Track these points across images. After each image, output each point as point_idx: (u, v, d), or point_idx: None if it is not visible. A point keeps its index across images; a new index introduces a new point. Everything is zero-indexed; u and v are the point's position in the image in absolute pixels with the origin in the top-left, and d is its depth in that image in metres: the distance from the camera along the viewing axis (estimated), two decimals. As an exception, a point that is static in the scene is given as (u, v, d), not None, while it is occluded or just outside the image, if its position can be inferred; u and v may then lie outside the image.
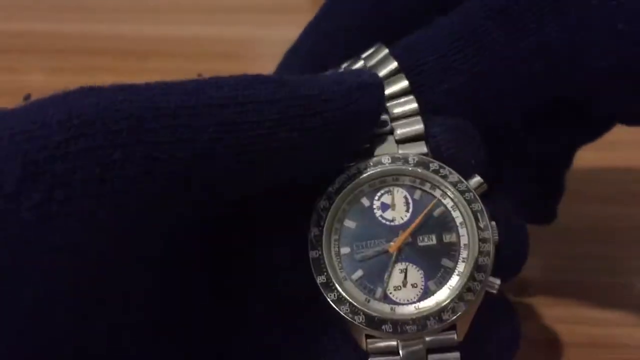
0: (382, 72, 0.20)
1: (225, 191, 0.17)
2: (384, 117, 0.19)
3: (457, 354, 0.18)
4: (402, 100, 0.19)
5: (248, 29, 0.41)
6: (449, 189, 0.19)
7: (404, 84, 0.19)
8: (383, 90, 0.18)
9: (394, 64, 0.20)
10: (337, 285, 0.18)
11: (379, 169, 0.19)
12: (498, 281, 0.18)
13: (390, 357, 0.18)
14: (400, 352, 0.18)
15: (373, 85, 0.18)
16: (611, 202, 0.30)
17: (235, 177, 0.16)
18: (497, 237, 0.19)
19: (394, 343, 0.18)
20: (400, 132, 0.19)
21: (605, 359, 0.24)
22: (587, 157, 0.32)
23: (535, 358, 0.24)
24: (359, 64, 0.20)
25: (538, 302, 0.26)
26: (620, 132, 0.33)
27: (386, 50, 0.20)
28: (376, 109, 0.18)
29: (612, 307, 0.26)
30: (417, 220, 0.19)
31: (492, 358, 0.19)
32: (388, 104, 0.19)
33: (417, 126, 0.19)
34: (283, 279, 0.19)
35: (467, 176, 0.19)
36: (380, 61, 0.20)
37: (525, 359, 0.24)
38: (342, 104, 0.17)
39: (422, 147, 0.19)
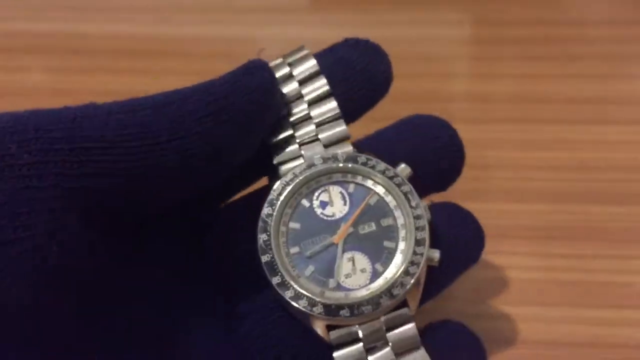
0: (301, 70, 0.21)
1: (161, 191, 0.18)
2: (304, 112, 0.21)
3: (412, 325, 0.19)
4: (323, 102, 0.21)
5: (248, 28, 0.41)
6: (378, 177, 0.20)
7: (322, 82, 0.21)
8: (271, 70, 0.20)
9: (312, 62, 0.21)
10: (292, 283, 0.19)
11: (312, 170, 0.20)
12: (437, 253, 0.19)
13: (353, 346, 0.19)
14: (360, 333, 0.19)
15: (259, 67, 0.19)
16: (611, 202, 0.30)
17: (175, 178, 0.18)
18: (429, 214, 0.20)
19: (354, 329, 0.19)
20: (324, 136, 0.21)
21: (606, 358, 0.24)
22: (587, 157, 0.32)
23: (535, 358, 0.24)
24: (280, 63, 0.22)
25: (538, 302, 0.26)
26: (620, 133, 0.33)
27: (306, 50, 0.21)
28: (269, 83, 0.19)
29: (612, 306, 0.26)
30: (357, 212, 0.20)
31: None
32: (310, 109, 0.21)
33: (340, 128, 0.21)
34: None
35: (393, 165, 0.20)
36: (300, 59, 0.21)
37: (525, 359, 0.24)
38: (231, 86, 0.19)
39: (347, 147, 0.21)
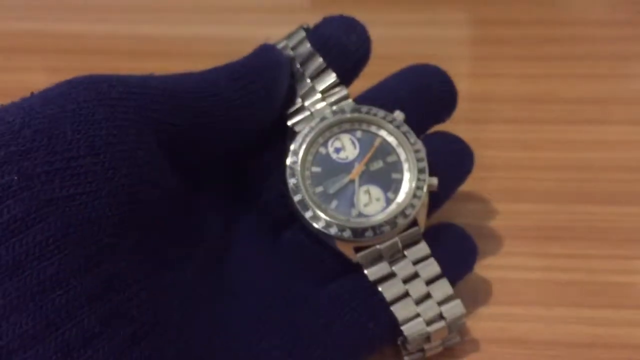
0: (300, 52, 0.25)
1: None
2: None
3: (424, 243, 0.23)
4: (322, 75, 0.25)
5: (248, 28, 0.41)
6: (381, 122, 0.24)
7: (319, 61, 0.24)
8: (280, 51, 0.24)
9: (308, 45, 0.24)
10: (322, 215, 0.23)
11: (325, 122, 0.24)
12: (435, 180, 0.23)
13: (380, 263, 0.23)
14: (381, 248, 0.23)
15: (272, 48, 0.24)
16: (612, 202, 0.30)
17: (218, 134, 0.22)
18: (424, 148, 0.24)
19: (377, 247, 0.23)
20: (330, 101, 0.25)
21: (606, 358, 0.24)
22: (588, 157, 0.32)
23: (535, 358, 0.24)
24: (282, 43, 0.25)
25: (538, 302, 0.26)
26: (620, 132, 0.33)
27: (303, 34, 0.25)
28: (283, 58, 0.24)
29: (612, 306, 0.26)
30: (369, 154, 0.24)
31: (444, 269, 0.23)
32: (313, 83, 0.25)
33: (342, 93, 0.25)
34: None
35: (391, 111, 0.24)
36: (298, 43, 0.25)
37: (525, 359, 0.24)
38: (257, 58, 0.23)
39: (349, 102, 0.25)
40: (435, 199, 0.25)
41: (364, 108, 0.24)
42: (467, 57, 0.39)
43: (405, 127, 0.24)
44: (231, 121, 0.22)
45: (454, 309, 0.23)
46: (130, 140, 0.19)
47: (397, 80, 0.26)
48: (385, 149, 0.24)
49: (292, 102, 0.25)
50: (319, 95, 0.24)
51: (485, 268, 0.27)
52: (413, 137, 0.24)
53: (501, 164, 0.32)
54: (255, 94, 0.22)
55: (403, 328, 0.22)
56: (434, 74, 0.26)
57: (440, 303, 0.23)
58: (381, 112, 0.24)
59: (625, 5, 0.42)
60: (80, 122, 0.18)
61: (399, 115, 0.24)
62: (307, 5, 0.43)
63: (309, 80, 0.24)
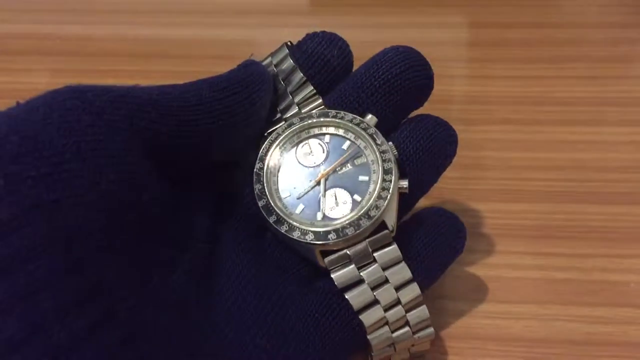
0: (283, 68, 0.25)
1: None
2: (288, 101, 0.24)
3: (394, 246, 0.22)
4: (301, 88, 0.25)
5: (248, 30, 0.41)
6: (348, 125, 0.24)
7: (300, 75, 0.24)
8: (263, 66, 0.24)
9: (290, 61, 0.25)
10: (285, 218, 0.22)
11: (292, 127, 0.24)
12: (405, 182, 0.23)
13: (347, 267, 0.22)
14: (349, 252, 0.22)
15: (256, 63, 0.24)
16: (607, 202, 0.30)
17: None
18: (395, 151, 0.24)
19: (345, 252, 0.22)
20: (304, 110, 0.24)
21: (601, 356, 0.24)
22: (583, 158, 0.32)
23: (531, 355, 0.24)
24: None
25: (534, 300, 0.26)
26: (616, 134, 0.33)
27: (285, 51, 0.25)
28: (266, 73, 0.24)
29: (607, 305, 0.26)
30: (340, 160, 0.24)
31: (428, 257, 0.24)
32: (294, 97, 0.24)
33: (316, 103, 0.25)
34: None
35: (362, 116, 0.24)
36: (281, 60, 0.25)
37: (520, 357, 0.24)
38: (241, 72, 0.23)
39: (320, 106, 0.24)
40: (414, 192, 0.24)
41: (332, 112, 0.24)
42: (463, 59, 0.39)
43: (372, 129, 0.24)
44: (215, 131, 0.22)
45: (419, 312, 0.22)
46: (116, 146, 0.19)
47: (366, 70, 0.25)
48: (353, 152, 0.24)
49: (272, 114, 0.25)
50: (296, 108, 0.24)
51: (481, 267, 0.27)
52: (380, 138, 0.23)
53: (496, 164, 0.32)
54: (239, 106, 0.22)
55: (369, 337, 0.22)
56: (407, 57, 0.25)
57: (407, 310, 0.22)
58: (349, 115, 0.24)
59: (618, 8, 0.42)
60: (67, 128, 0.18)
61: (371, 119, 0.24)
62: (306, 7, 0.43)
63: (290, 96, 0.25)
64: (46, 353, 0.16)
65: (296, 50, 0.25)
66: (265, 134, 0.24)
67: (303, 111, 0.24)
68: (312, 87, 0.24)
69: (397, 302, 0.22)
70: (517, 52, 0.39)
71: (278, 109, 0.25)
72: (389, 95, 0.24)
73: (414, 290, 0.22)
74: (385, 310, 0.22)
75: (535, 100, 0.36)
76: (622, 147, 0.33)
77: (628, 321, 0.25)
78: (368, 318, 0.22)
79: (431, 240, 0.24)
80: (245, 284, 0.23)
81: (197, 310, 0.22)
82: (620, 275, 0.27)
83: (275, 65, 0.25)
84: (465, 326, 0.25)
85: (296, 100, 0.24)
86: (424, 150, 0.24)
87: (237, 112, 0.22)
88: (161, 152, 0.21)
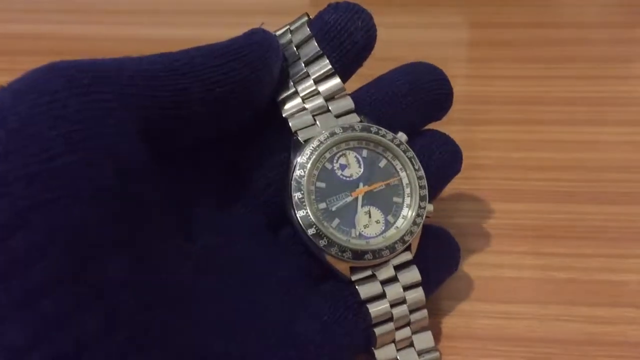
0: (298, 37, 0.24)
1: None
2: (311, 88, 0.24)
3: (416, 270, 0.23)
4: (316, 61, 0.24)
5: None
6: (389, 145, 0.24)
7: (314, 45, 0.24)
8: (270, 34, 0.23)
9: (304, 19, 0.24)
10: (324, 232, 0.22)
11: (335, 137, 0.23)
12: (431, 207, 0.24)
13: (372, 282, 0.23)
14: (377, 274, 0.23)
15: (262, 31, 0.23)
16: (606, 202, 0.30)
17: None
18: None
19: (369, 272, 0.23)
20: (334, 107, 0.24)
21: (600, 356, 0.24)
22: (583, 157, 0.32)
23: (531, 355, 0.24)
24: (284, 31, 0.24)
25: (533, 300, 0.26)
26: (615, 134, 0.34)
27: (305, 19, 0.24)
28: (273, 39, 0.22)
29: (606, 304, 0.26)
30: (381, 182, 0.24)
31: (430, 273, 0.24)
32: (307, 68, 0.24)
33: (347, 102, 0.24)
34: None
35: (395, 132, 0.24)
36: (297, 28, 0.24)
37: (520, 357, 0.24)
38: (242, 39, 0.22)
39: (355, 118, 0.24)
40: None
41: (374, 128, 0.24)
42: (463, 59, 0.40)
43: (411, 153, 0.24)
44: (212, 102, 0.21)
45: (425, 336, 0.23)
46: (109, 131, 0.18)
47: (394, 77, 0.26)
48: (389, 171, 0.24)
49: (285, 86, 0.24)
50: (310, 81, 0.24)
51: (481, 267, 0.27)
52: (417, 164, 0.24)
53: (496, 164, 0.32)
54: (237, 73, 0.21)
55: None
56: (429, 72, 0.26)
57: (414, 332, 0.23)
58: (390, 134, 0.24)
59: (619, 8, 0.42)
60: (55, 116, 0.17)
61: (402, 136, 0.24)
62: (307, 7, 0.43)
63: (304, 67, 0.24)
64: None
65: (315, 20, 0.24)
66: (303, 140, 0.23)
67: (321, 90, 0.24)
68: (327, 61, 0.24)
69: (408, 323, 0.23)
70: (517, 52, 0.39)
71: (291, 80, 0.24)
72: (412, 102, 0.25)
73: (423, 314, 0.23)
74: (397, 330, 0.23)
75: (535, 100, 0.36)
76: (622, 147, 0.33)
77: (628, 321, 0.25)
78: (380, 332, 0.23)
79: (433, 256, 0.24)
80: (254, 281, 0.23)
81: (206, 307, 0.21)
82: (620, 275, 0.27)
83: (292, 32, 0.24)
84: (465, 326, 0.25)
85: (311, 72, 0.24)
86: (434, 165, 0.25)
87: (236, 80, 0.21)
88: (156, 130, 0.20)
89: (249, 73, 0.21)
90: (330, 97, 0.24)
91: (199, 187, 0.23)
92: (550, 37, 0.40)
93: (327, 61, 0.24)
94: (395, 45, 0.37)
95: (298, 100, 0.24)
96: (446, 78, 0.26)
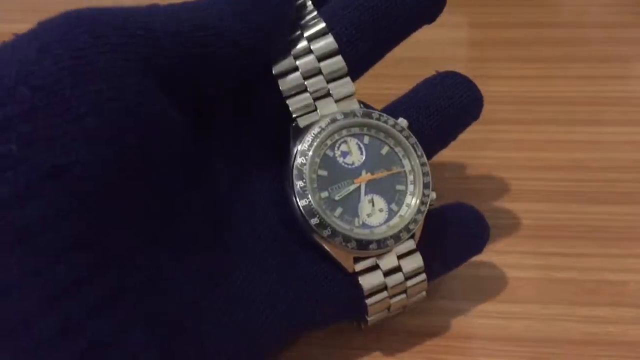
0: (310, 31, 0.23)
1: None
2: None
3: (419, 256, 0.23)
4: (331, 59, 0.23)
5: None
6: (390, 131, 0.23)
7: (329, 40, 0.23)
8: None
9: (322, 25, 0.23)
10: (327, 222, 0.22)
11: (336, 124, 0.23)
12: (434, 194, 0.23)
13: (374, 272, 0.22)
14: (380, 264, 0.22)
15: None
16: (606, 202, 0.30)
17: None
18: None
19: (373, 259, 0.22)
20: (336, 92, 0.23)
21: (600, 356, 0.24)
22: (582, 157, 0.32)
23: (531, 355, 0.24)
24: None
25: (533, 300, 0.26)
26: (615, 133, 0.34)
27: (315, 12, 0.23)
28: None
29: (607, 304, 0.26)
30: (385, 173, 0.23)
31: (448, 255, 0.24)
32: (320, 64, 0.23)
33: (349, 87, 0.23)
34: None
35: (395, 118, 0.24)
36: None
37: (520, 357, 0.24)
38: None
39: (355, 103, 0.23)
40: (434, 145, 0.25)
41: (375, 114, 0.23)
42: (463, 59, 0.40)
43: (413, 139, 0.23)
44: (238, 55, 0.20)
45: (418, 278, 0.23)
46: (133, 90, 0.17)
47: (422, 90, 0.25)
48: (391, 159, 0.23)
49: (286, 60, 0.23)
50: (313, 57, 0.23)
51: (481, 267, 0.27)
52: (420, 150, 0.23)
53: (497, 164, 0.32)
54: (264, 27, 0.20)
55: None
56: (459, 83, 0.25)
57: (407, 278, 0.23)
58: (391, 120, 0.23)
59: (619, 7, 0.42)
60: (81, 74, 0.16)
61: (402, 122, 0.23)
62: (305, 8, 0.43)
63: (306, 42, 0.23)
64: (59, 325, 0.16)
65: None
66: (302, 127, 0.23)
67: (313, 48, 0.23)
68: (332, 39, 0.23)
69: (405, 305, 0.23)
70: (517, 52, 0.39)
71: (292, 56, 0.23)
72: (441, 112, 0.25)
73: (422, 293, 0.23)
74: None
75: (535, 100, 0.36)
76: (622, 147, 0.33)
77: (628, 321, 0.25)
78: (373, 304, 0.23)
79: (454, 232, 0.24)
80: (269, 257, 0.22)
81: (222, 281, 0.21)
82: (619, 275, 0.27)
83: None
84: (465, 326, 0.25)
85: (314, 48, 0.23)
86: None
87: (262, 34, 0.20)
88: (175, 81, 0.19)
89: (275, 26, 0.21)
90: (331, 79, 0.23)
91: (220, 145, 0.23)
92: (549, 37, 0.40)
93: (332, 38, 0.23)
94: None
95: (297, 74, 0.23)
96: (475, 87, 0.25)
